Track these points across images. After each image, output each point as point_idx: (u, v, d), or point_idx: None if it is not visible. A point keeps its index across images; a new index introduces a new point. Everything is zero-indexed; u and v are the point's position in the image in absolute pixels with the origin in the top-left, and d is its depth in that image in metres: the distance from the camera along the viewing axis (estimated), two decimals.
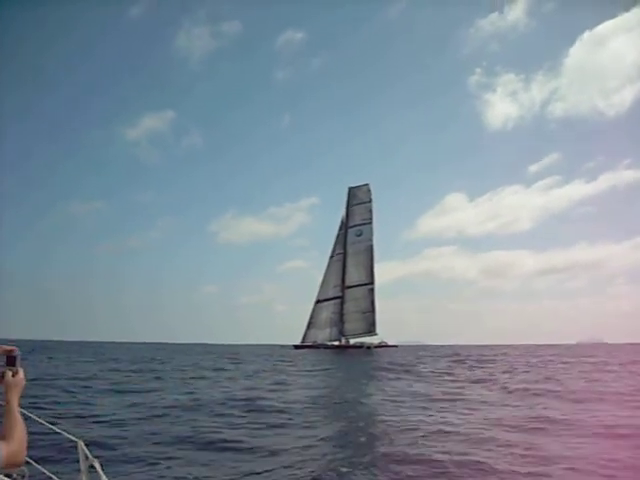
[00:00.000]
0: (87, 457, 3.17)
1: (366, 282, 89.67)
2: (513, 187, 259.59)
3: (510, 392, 20.48)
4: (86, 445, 3.27)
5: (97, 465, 3.01)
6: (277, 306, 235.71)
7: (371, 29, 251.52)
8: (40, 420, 3.83)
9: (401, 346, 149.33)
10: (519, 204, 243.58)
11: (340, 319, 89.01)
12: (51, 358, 44.66)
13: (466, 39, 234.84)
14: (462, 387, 22.37)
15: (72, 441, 3.37)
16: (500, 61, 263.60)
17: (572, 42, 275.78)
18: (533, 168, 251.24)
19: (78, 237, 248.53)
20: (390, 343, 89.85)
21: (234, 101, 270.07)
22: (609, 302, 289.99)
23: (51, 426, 3.88)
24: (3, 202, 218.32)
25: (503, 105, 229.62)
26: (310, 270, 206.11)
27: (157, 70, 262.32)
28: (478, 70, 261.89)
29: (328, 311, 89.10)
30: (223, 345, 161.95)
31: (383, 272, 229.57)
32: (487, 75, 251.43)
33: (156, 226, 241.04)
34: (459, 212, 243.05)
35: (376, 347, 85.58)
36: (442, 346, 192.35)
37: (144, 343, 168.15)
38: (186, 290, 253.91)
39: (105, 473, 2.97)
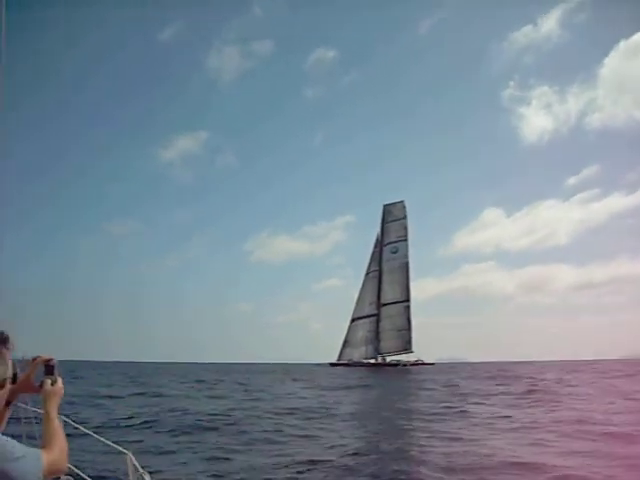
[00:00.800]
0: (137, 469, 3.14)
1: (402, 299, 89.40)
2: (551, 201, 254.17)
3: None
4: (135, 457, 3.27)
5: (147, 477, 2.99)
6: (313, 324, 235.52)
7: (402, 45, 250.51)
8: (88, 432, 3.99)
9: (438, 364, 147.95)
10: (557, 218, 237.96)
11: (376, 337, 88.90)
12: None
13: (499, 53, 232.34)
14: None
15: (121, 453, 3.38)
16: (534, 73, 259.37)
17: (607, 52, 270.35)
18: (571, 181, 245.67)
19: (119, 257, 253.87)
20: (427, 361, 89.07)
21: (266, 120, 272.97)
22: None
23: (100, 438, 3.93)
24: (49, 224, 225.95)
25: (538, 118, 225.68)
26: (346, 288, 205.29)
27: (189, 91, 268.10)
28: (512, 83, 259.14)
29: (364, 329, 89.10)
30: (257, 364, 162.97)
31: (420, 289, 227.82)
32: (521, 88, 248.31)
33: (192, 246, 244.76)
34: (496, 227, 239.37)
35: (412, 365, 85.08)
36: (481, 363, 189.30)
37: (174, 363, 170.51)
38: (220, 309, 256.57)
39: None
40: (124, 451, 3.34)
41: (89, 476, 3.98)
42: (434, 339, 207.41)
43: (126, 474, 3.23)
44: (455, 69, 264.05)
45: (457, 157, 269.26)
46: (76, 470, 3.87)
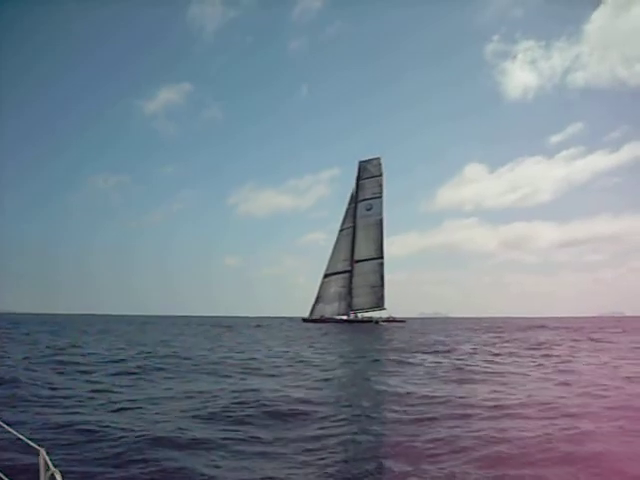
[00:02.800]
0: (48, 467, 3.02)
1: (375, 256, 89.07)
2: (534, 158, 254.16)
3: None
4: (48, 454, 3.15)
5: (58, 476, 2.90)
6: (298, 278, 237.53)
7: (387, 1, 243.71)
8: (3, 425, 3.81)
9: (418, 319, 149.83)
10: (540, 175, 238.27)
11: (349, 293, 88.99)
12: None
13: (486, 5, 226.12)
14: None
15: (33, 448, 3.26)
16: (520, 27, 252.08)
17: (594, 7, 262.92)
18: (555, 138, 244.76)
19: (106, 211, 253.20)
20: (398, 317, 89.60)
21: (250, 72, 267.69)
22: (631, 275, 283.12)
23: (13, 431, 3.76)
24: (25, 174, 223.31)
25: (523, 74, 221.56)
26: (330, 242, 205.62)
27: (171, 42, 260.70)
28: (496, 37, 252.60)
29: (337, 285, 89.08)
30: (246, 317, 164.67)
31: (402, 244, 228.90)
32: (506, 42, 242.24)
33: (177, 199, 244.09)
34: (479, 183, 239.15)
35: (384, 321, 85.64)
36: (462, 318, 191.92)
37: (158, 316, 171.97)
38: (206, 262, 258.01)
39: None
40: (36, 446, 3.24)
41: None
42: (417, 294, 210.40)
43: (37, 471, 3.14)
44: (443, 24, 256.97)
45: (442, 114, 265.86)
46: None
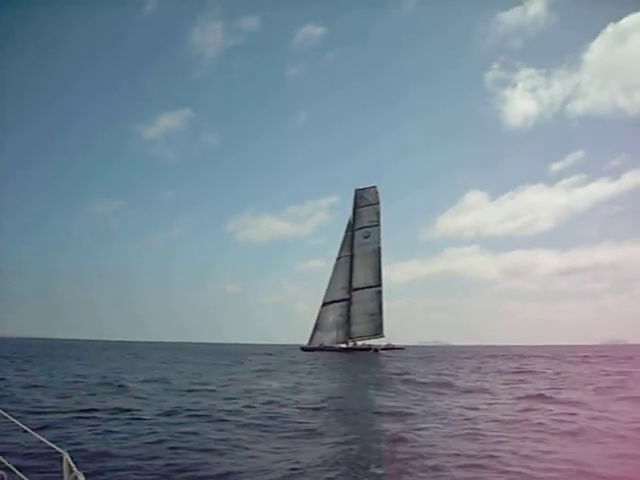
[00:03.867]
0: (72, 470, 3.07)
1: (373, 284, 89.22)
2: (535, 186, 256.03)
3: None
4: (71, 457, 3.22)
5: (82, 478, 2.96)
6: (298, 305, 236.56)
7: (386, 25, 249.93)
8: (26, 428, 3.90)
9: (414, 347, 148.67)
10: (541, 203, 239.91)
11: (347, 321, 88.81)
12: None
13: (485, 34, 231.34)
14: None
15: (57, 452, 3.31)
16: (520, 56, 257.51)
17: (594, 36, 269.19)
18: (556, 167, 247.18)
19: (105, 236, 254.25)
20: (397, 345, 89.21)
21: (250, 98, 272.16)
22: (633, 302, 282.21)
23: (37, 435, 3.87)
24: (24, 196, 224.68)
25: (523, 102, 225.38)
26: (330, 269, 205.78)
27: (172, 68, 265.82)
28: (496, 65, 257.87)
29: (335, 313, 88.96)
30: (247, 345, 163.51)
31: (402, 272, 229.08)
32: (506, 71, 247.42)
33: (176, 225, 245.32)
34: (479, 211, 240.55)
35: (383, 349, 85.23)
36: (464, 347, 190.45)
37: (161, 342, 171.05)
38: (207, 289, 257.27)
39: None
40: (60, 450, 3.28)
41: (23, 473, 3.99)
42: (417, 322, 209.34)
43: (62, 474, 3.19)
44: (439, 51, 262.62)
45: (441, 140, 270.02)
46: (10, 467, 3.95)
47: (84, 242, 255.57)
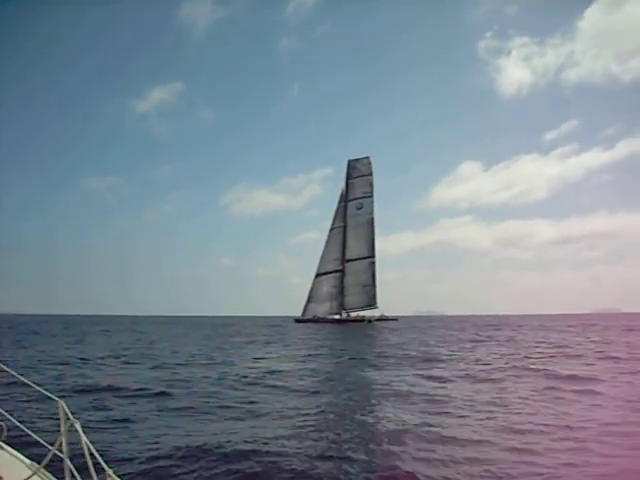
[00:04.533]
0: (68, 418, 3.15)
1: (367, 255, 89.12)
2: (529, 155, 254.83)
3: None
4: (67, 406, 3.28)
5: (78, 426, 3.03)
6: (292, 277, 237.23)
7: None
8: (24, 380, 3.97)
9: (407, 317, 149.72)
10: (535, 172, 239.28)
11: (340, 292, 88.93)
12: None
13: (479, 2, 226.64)
14: None
15: (54, 400, 3.42)
16: (514, 24, 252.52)
17: (588, 4, 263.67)
18: (550, 136, 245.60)
19: (96, 211, 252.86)
20: (391, 316, 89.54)
21: (242, 71, 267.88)
22: (626, 271, 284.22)
23: (33, 385, 3.96)
24: (18, 176, 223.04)
25: (517, 71, 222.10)
26: (323, 242, 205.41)
27: (162, 40, 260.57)
28: (489, 34, 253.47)
29: (328, 285, 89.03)
30: (241, 317, 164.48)
31: (397, 243, 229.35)
32: (500, 39, 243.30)
33: (170, 199, 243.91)
34: (474, 181, 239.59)
35: (376, 320, 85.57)
36: (457, 316, 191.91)
37: (155, 316, 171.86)
38: (202, 262, 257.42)
39: (85, 434, 2.97)
40: (56, 399, 3.41)
41: (20, 422, 4.17)
42: (412, 292, 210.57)
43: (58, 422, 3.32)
44: (435, 18, 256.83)
45: (435, 111, 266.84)
46: (9, 417, 4.18)
47: (80, 219, 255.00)
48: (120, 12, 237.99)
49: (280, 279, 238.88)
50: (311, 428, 9.48)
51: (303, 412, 10.97)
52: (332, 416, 10.83)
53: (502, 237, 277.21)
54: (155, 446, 8.16)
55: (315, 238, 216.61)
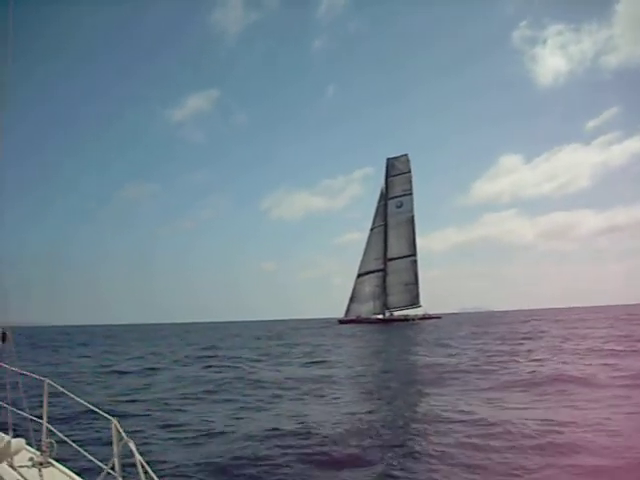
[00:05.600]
0: (122, 437, 3.10)
1: (408, 254, 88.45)
2: (571, 145, 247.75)
3: None
4: (120, 424, 3.27)
5: (132, 445, 2.95)
6: (334, 279, 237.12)
7: None
8: (76, 398, 3.97)
9: (457, 314, 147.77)
10: (578, 162, 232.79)
11: (383, 292, 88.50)
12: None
13: None
14: None
15: (106, 419, 3.40)
16: (548, 12, 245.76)
17: None
18: (591, 124, 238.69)
19: (135, 221, 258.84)
20: (434, 314, 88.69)
21: (276, 73, 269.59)
22: None
23: (85, 403, 3.97)
24: (61, 185, 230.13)
25: (553, 59, 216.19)
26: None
27: (195, 48, 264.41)
28: (524, 23, 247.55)
29: (371, 284, 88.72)
30: (285, 320, 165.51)
31: (441, 239, 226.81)
32: (534, 28, 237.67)
33: (209, 205, 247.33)
34: (515, 174, 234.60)
35: (420, 319, 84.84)
36: (504, 312, 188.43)
37: (214, 322, 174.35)
38: (241, 268, 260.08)
39: (140, 453, 2.88)
40: (109, 417, 3.41)
41: (73, 441, 4.23)
42: (457, 289, 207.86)
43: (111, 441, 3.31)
44: (468, 12, 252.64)
45: (473, 105, 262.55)
46: (61, 436, 4.21)
47: (117, 226, 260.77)
48: (154, 23, 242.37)
49: (322, 281, 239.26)
50: None
51: None
52: None
53: (546, 230, 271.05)
54: None
55: (356, 239, 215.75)
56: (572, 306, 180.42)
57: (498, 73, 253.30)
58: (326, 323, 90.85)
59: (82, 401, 3.98)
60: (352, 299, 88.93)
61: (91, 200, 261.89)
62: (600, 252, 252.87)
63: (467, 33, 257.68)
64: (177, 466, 7.93)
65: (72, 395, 4.06)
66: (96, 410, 3.80)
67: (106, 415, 3.50)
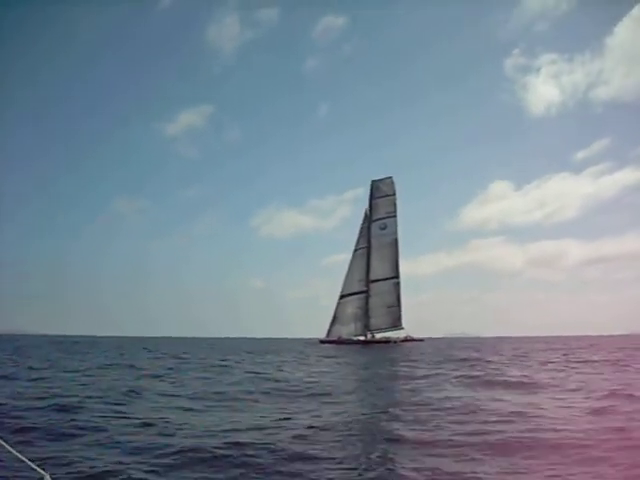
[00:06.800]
0: None
1: (391, 276, 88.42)
2: (561, 174, 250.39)
3: None
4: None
5: None
6: (322, 300, 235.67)
7: (405, 6, 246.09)
8: (6, 446, 3.70)
9: (442, 339, 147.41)
10: (567, 192, 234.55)
11: (365, 314, 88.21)
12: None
13: (507, 20, 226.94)
14: None
15: (39, 474, 3.21)
16: (542, 41, 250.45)
17: (618, 20, 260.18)
18: (581, 154, 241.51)
19: (125, 236, 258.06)
20: (416, 337, 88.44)
21: (271, 92, 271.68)
22: None
23: (18, 455, 3.66)
24: (43, 197, 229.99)
25: (546, 88, 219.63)
26: None
27: (190, 63, 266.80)
28: (517, 51, 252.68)
29: (353, 306, 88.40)
30: (269, 339, 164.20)
31: (429, 263, 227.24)
32: (527, 56, 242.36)
33: (199, 222, 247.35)
34: (505, 201, 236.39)
35: (402, 341, 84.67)
36: (489, 338, 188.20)
37: (185, 338, 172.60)
38: (230, 285, 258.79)
39: None
40: (41, 472, 3.18)
41: None
42: (444, 313, 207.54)
43: None
44: (462, 37, 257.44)
45: (463, 130, 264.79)
46: None
47: (107, 241, 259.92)
48: (146, 32, 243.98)
49: (310, 301, 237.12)
50: None
51: None
52: None
53: (534, 257, 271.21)
54: None
55: (345, 259, 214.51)
56: (557, 335, 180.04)
57: (490, 99, 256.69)
58: (306, 344, 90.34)
59: (15, 452, 3.65)
60: (334, 320, 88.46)
61: (84, 214, 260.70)
62: (587, 282, 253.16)
63: (459, 57, 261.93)
64: None
65: (2, 442, 3.77)
66: (28, 463, 3.52)
67: (38, 469, 3.30)
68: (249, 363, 36.26)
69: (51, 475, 3.11)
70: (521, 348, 66.79)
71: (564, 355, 45.64)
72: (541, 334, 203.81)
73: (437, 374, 25.73)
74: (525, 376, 24.15)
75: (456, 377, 23.74)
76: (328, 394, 18.09)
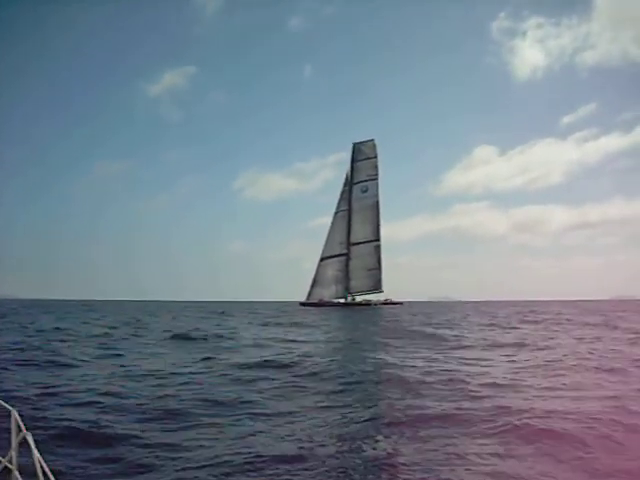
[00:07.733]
0: (20, 430, 2.92)
1: (372, 239, 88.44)
2: (546, 140, 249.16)
3: None
4: (21, 416, 3.06)
5: (30, 439, 2.79)
6: (304, 263, 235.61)
7: None
8: None
9: (423, 302, 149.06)
10: (552, 157, 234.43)
11: (346, 276, 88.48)
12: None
13: None
14: None
15: (5, 410, 3.24)
16: (529, 5, 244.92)
17: None
18: (566, 120, 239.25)
19: (110, 197, 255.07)
20: (396, 300, 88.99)
21: (254, 52, 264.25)
22: None
23: None
24: (28, 161, 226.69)
25: (532, 52, 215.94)
26: None
27: (172, 23, 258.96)
28: (502, 14, 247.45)
29: (333, 268, 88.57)
30: (251, 302, 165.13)
31: (410, 227, 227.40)
32: (514, 19, 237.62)
33: (182, 184, 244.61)
34: (489, 166, 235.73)
35: (382, 304, 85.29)
36: (472, 302, 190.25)
37: (162, 301, 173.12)
38: (213, 247, 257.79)
39: (38, 449, 2.72)
40: (9, 408, 3.21)
41: None
42: (425, 278, 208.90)
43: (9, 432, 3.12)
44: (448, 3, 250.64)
45: (448, 95, 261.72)
46: None
47: (88, 204, 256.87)
48: None
49: (292, 264, 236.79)
50: None
51: None
52: None
53: (518, 223, 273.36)
54: None
55: (328, 223, 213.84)
56: (540, 299, 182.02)
57: (476, 63, 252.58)
58: (287, 305, 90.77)
59: None
60: (314, 282, 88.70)
61: (64, 175, 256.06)
62: (572, 248, 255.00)
63: (446, 21, 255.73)
64: None
65: None
66: None
67: (5, 405, 3.31)
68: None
69: (18, 411, 3.10)
70: (493, 313, 67.35)
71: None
72: (527, 298, 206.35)
73: None
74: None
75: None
76: None
